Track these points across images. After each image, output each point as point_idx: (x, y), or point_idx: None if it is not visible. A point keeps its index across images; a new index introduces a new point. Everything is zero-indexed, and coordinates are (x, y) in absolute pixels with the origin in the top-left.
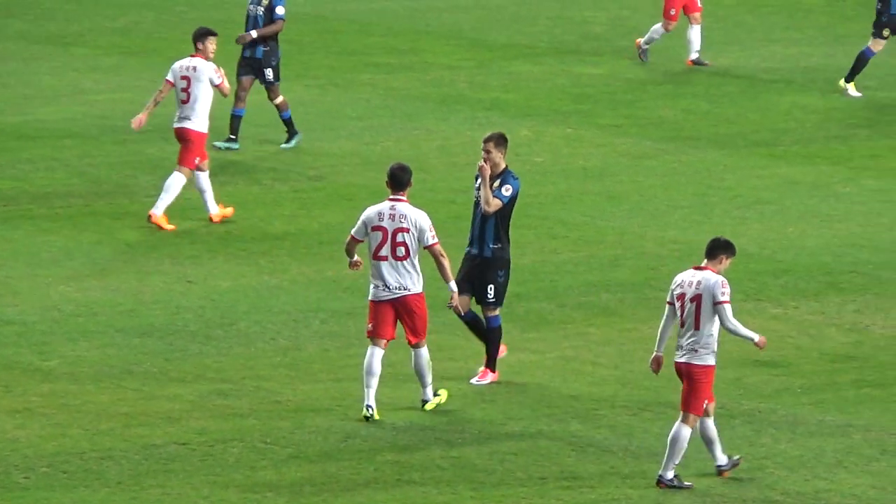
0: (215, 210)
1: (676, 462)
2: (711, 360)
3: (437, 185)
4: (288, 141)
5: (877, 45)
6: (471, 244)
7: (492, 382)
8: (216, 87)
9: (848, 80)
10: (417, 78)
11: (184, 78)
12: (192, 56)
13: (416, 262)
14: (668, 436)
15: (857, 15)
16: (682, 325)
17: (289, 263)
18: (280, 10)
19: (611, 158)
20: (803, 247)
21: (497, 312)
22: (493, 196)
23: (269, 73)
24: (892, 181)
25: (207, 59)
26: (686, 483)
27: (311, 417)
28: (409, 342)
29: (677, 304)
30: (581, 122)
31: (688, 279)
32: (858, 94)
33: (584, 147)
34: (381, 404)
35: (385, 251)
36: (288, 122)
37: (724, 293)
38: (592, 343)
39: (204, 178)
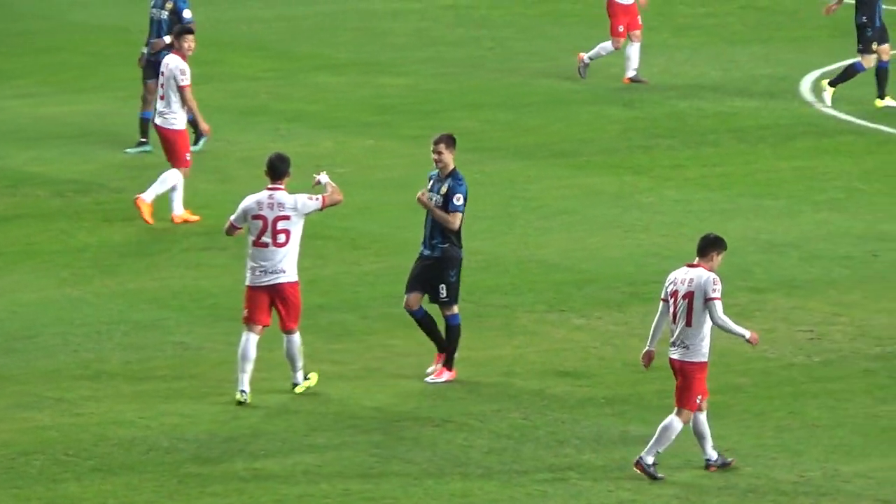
0: (179, 211)
1: (660, 450)
2: (704, 357)
3: (240, 196)
4: (195, 143)
5: (868, 61)
6: (423, 244)
7: (448, 381)
8: (179, 88)
9: (833, 84)
10: (220, 89)
11: (161, 74)
12: (171, 52)
13: (295, 249)
14: (659, 423)
15: (658, 25)
16: (675, 321)
17: (91, 275)
18: (187, 14)
19: (413, 169)
20: (606, 257)
21: (455, 311)
22: (450, 211)
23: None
24: (694, 191)
25: (184, 57)
26: (659, 475)
27: (113, 429)
28: (282, 329)
29: (670, 301)
30: (383, 133)
31: (680, 277)
32: (829, 105)
33: (387, 158)
34: (183, 416)
35: (266, 238)
36: (191, 123)
37: (716, 290)
38: (395, 354)
39: (177, 177)
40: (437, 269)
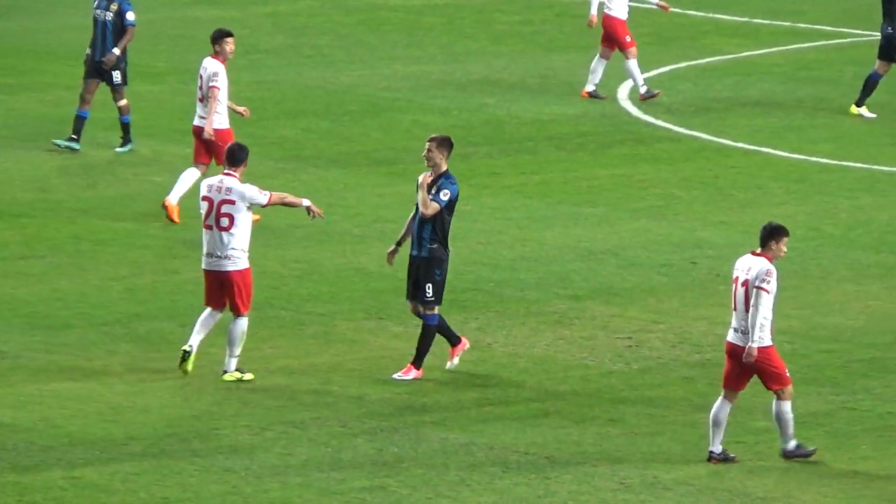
0: (174, 202)
1: (790, 433)
2: (767, 341)
3: (61, 204)
4: (123, 145)
5: (883, 68)
6: (413, 246)
7: (415, 379)
8: (208, 87)
9: (859, 105)
10: (37, 98)
11: (200, 77)
12: (211, 56)
13: (242, 236)
14: (774, 417)
15: (476, 33)
16: (735, 307)
17: None
18: (130, 17)
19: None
20: None
21: (435, 311)
22: (431, 200)
23: (117, 75)
24: (512, 199)
25: (224, 60)
26: (810, 448)
27: None
28: (231, 310)
29: (732, 287)
30: None
31: (743, 265)
32: (873, 115)
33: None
34: (1, 425)
35: (211, 221)
36: (125, 127)
37: (767, 281)
38: (214, 362)
39: (193, 174)
40: (424, 269)
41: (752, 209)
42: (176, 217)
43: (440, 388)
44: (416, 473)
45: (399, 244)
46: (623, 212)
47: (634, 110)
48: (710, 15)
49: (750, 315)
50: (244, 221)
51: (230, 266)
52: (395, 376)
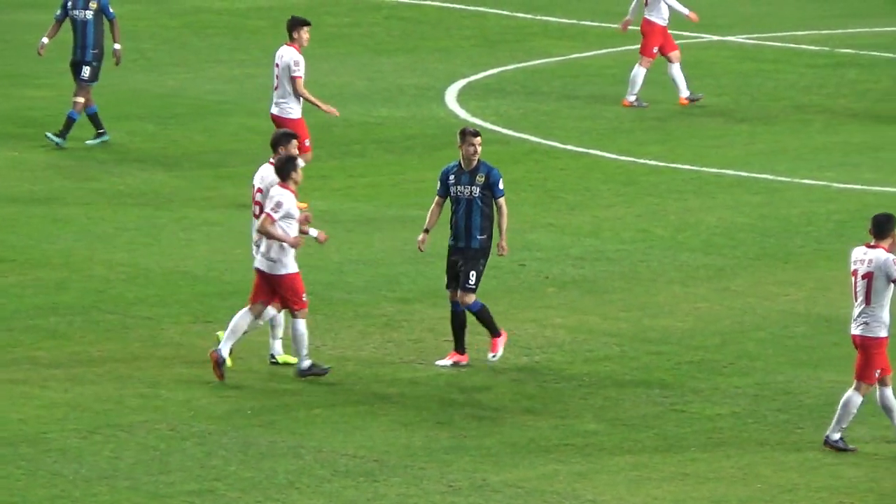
0: None
1: (843, 426)
2: (883, 333)
3: None
4: (59, 135)
5: None
6: (456, 239)
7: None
8: (291, 78)
9: None
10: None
11: (276, 66)
12: (286, 45)
13: (272, 224)
14: (839, 400)
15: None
16: (856, 299)
17: None
18: (112, 9)
19: (57, 182)
20: (251, 268)
21: (476, 298)
22: (499, 197)
23: (87, 71)
24: (340, 202)
25: (299, 49)
26: (851, 447)
27: None
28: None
29: (851, 280)
30: (28, 146)
31: (860, 256)
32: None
33: (31, 171)
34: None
35: (256, 209)
36: (68, 124)
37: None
38: (41, 366)
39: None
40: (471, 258)
41: (581, 211)
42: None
43: (268, 392)
44: (244, 477)
45: (427, 231)
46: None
47: (463, 113)
48: (538, 17)
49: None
50: (284, 228)
51: (276, 269)
52: (490, 357)
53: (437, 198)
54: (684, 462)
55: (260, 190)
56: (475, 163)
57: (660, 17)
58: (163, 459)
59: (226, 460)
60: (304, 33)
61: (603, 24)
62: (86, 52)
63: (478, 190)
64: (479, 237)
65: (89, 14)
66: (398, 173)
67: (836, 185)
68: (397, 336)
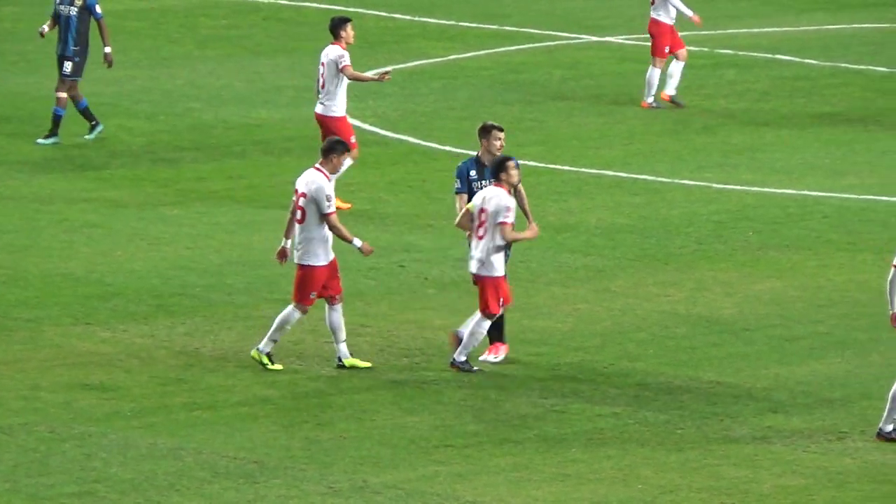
0: None
1: None
2: None
3: None
4: (47, 137)
5: None
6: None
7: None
8: (341, 69)
9: None
10: None
11: (322, 65)
12: (332, 44)
13: (312, 233)
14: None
15: (181, 37)
16: None
17: None
18: (98, 9)
19: None
20: (132, 270)
21: None
22: (516, 184)
23: (68, 66)
24: (219, 204)
25: (344, 46)
26: None
27: None
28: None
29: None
30: None
31: None
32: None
33: None
34: None
35: (298, 214)
36: (57, 120)
37: None
38: None
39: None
40: None
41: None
42: (344, 206)
43: (148, 393)
44: (124, 479)
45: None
46: None
47: None
48: (417, 18)
49: None
50: (313, 219)
51: (298, 259)
52: (490, 359)
53: (460, 195)
54: (565, 463)
55: (304, 195)
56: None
57: (667, 17)
58: (43, 461)
59: (106, 462)
60: (350, 29)
61: (482, 26)
62: (67, 47)
63: None
64: None
65: (73, 10)
66: (277, 175)
67: (715, 185)
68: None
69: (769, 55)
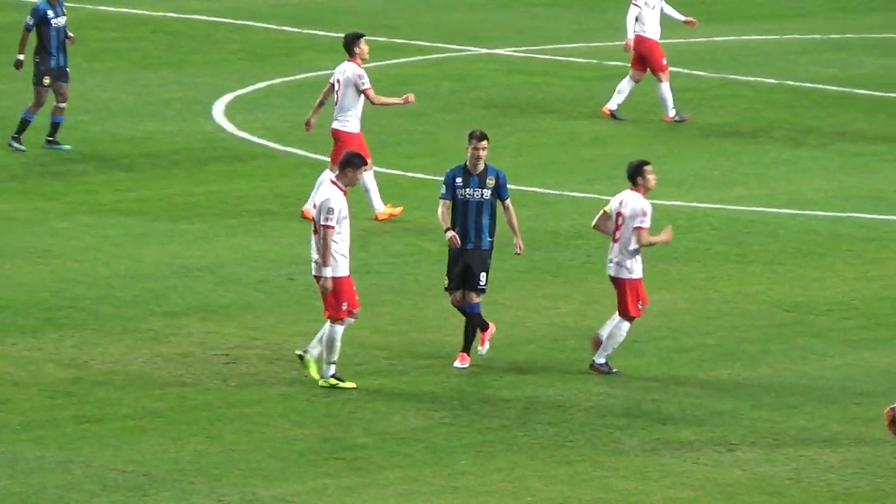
0: (381, 208)
1: None
2: None
3: None
4: (54, 142)
5: None
6: (464, 240)
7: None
8: (362, 92)
9: None
10: None
11: (338, 82)
12: (347, 61)
13: (327, 240)
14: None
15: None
16: None
17: None
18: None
19: None
20: (20, 283)
21: (480, 300)
22: (506, 199)
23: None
24: (108, 216)
25: (360, 63)
26: None
27: None
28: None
29: None
30: None
31: None
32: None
33: None
34: None
35: (313, 226)
36: (55, 127)
37: None
38: None
39: (368, 177)
40: (481, 259)
41: (352, 225)
42: (395, 211)
43: (37, 406)
44: (13, 492)
45: (454, 228)
46: (220, 228)
47: (230, 127)
48: (306, 31)
49: None
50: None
51: (315, 271)
52: (482, 351)
53: (444, 201)
54: (454, 476)
55: (316, 206)
56: (482, 166)
57: (653, 32)
58: None
59: None
60: (363, 45)
61: (371, 38)
62: (60, 56)
63: (488, 193)
64: (489, 238)
65: (63, 20)
66: (166, 187)
67: (604, 197)
68: (166, 350)
69: None
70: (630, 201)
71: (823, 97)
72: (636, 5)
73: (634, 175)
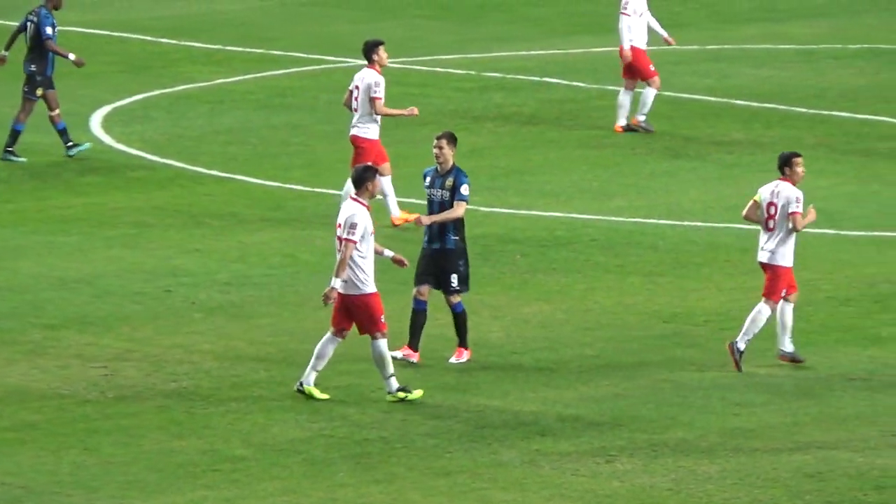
0: (397, 213)
1: None
2: None
3: None
4: (72, 145)
5: None
6: (430, 240)
7: (468, 360)
8: (371, 99)
9: None
10: None
11: (356, 88)
12: (367, 68)
13: (352, 259)
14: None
15: None
16: None
17: None
18: (49, 31)
19: None
20: None
21: (460, 299)
22: (456, 200)
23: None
24: None
25: (379, 70)
26: None
27: None
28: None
29: None
30: None
31: None
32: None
33: None
34: None
35: (338, 244)
36: (63, 133)
37: None
38: None
39: (386, 182)
40: (446, 261)
41: (227, 237)
42: (408, 217)
43: None
44: None
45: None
46: (97, 240)
47: (108, 139)
48: (183, 43)
49: None
50: (361, 247)
51: (343, 289)
52: (450, 360)
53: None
54: (333, 487)
55: (340, 225)
56: (448, 167)
57: (640, 41)
58: None
59: None
60: (382, 52)
61: (248, 50)
62: (48, 65)
63: (448, 194)
64: (452, 238)
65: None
66: (43, 199)
67: (483, 209)
68: (43, 363)
69: (537, 78)
70: (783, 190)
71: (701, 108)
72: (626, 14)
73: (784, 165)
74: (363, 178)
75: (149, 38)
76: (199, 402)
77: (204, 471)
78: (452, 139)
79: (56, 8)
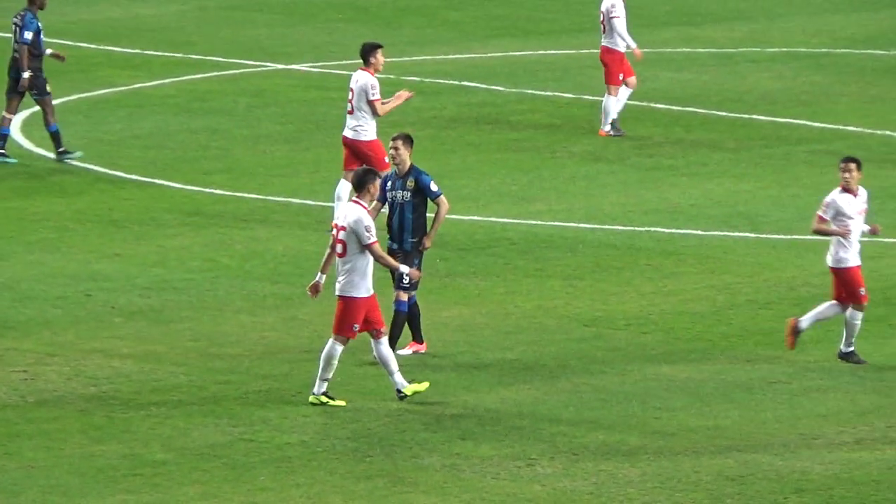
0: None
1: None
2: None
3: None
4: (63, 152)
5: None
6: (392, 239)
7: (416, 352)
8: (369, 102)
9: None
10: None
11: (351, 90)
12: (361, 69)
13: (356, 267)
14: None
15: None
16: None
17: None
18: (28, 35)
19: None
20: None
21: (405, 298)
22: (435, 199)
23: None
24: None
25: (373, 73)
26: None
27: None
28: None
29: None
30: None
31: None
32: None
33: None
34: None
35: (339, 248)
36: (55, 137)
37: None
38: None
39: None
40: (404, 260)
41: (147, 241)
42: None
43: None
44: None
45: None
46: (17, 245)
47: (27, 143)
48: (102, 47)
49: None
50: (354, 253)
51: (338, 291)
52: (400, 352)
53: (375, 202)
54: (254, 491)
55: (343, 228)
56: (405, 168)
57: (620, 44)
58: None
59: None
60: (379, 56)
61: (167, 54)
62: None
63: (409, 195)
64: (410, 240)
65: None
66: None
67: None
68: None
69: (456, 82)
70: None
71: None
72: (618, 17)
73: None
74: (364, 181)
75: (69, 42)
76: (120, 406)
77: (125, 475)
78: (408, 140)
79: (41, 8)
